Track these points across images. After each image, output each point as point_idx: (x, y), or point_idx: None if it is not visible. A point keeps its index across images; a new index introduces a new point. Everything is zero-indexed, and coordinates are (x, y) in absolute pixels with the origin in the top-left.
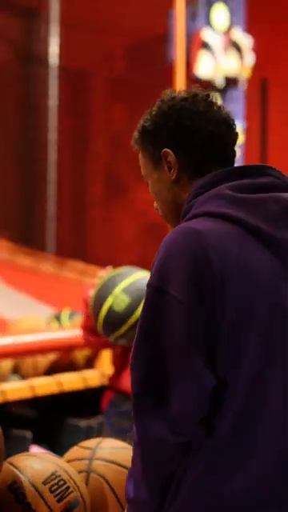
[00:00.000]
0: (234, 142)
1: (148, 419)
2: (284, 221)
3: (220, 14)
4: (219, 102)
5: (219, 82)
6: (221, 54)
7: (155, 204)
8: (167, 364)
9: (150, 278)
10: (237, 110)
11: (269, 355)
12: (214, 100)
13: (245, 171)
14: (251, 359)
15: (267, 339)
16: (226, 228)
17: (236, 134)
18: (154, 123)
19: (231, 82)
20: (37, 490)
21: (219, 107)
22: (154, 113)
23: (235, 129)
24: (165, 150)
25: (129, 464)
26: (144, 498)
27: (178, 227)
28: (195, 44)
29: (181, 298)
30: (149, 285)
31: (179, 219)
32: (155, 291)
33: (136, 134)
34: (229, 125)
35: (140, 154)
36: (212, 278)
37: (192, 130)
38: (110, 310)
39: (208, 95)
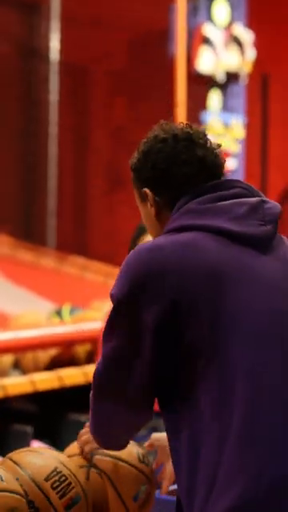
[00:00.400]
0: (216, 176)
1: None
2: (248, 220)
3: (221, 9)
4: (206, 136)
5: (220, 77)
6: (222, 49)
7: None
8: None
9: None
10: (237, 104)
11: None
12: (195, 138)
13: (215, 187)
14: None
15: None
16: (192, 236)
17: (219, 167)
18: (137, 161)
19: (232, 77)
20: (39, 487)
21: (202, 144)
22: (140, 150)
23: (218, 164)
24: (144, 189)
25: (130, 459)
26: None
27: (139, 245)
28: (196, 39)
29: (121, 298)
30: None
31: None
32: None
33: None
34: (209, 162)
35: None
36: (164, 280)
37: (167, 174)
38: None
39: (189, 134)
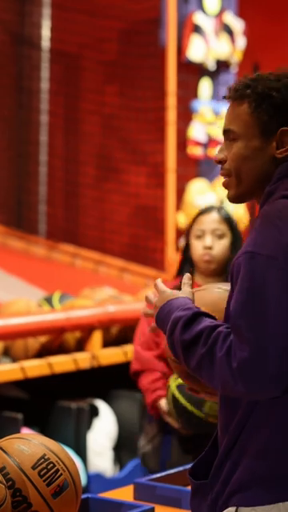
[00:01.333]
0: None
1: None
2: None
3: None
4: None
5: (211, 65)
6: (212, 38)
7: (226, 164)
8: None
9: (249, 246)
10: None
11: None
12: None
13: None
14: None
15: None
16: None
17: None
18: (284, 97)
19: (222, 66)
20: (26, 475)
21: None
22: (284, 84)
23: None
24: (285, 128)
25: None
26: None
27: (278, 202)
28: (187, 27)
29: (276, 257)
30: (248, 252)
31: (252, 191)
32: (252, 257)
33: (247, 90)
34: None
35: (238, 109)
36: None
37: None
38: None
39: None
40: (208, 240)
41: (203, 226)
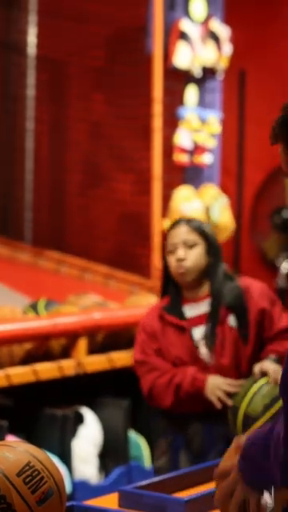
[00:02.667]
0: None
1: None
2: None
3: (198, 5)
4: None
5: (197, 72)
6: (199, 45)
7: None
8: None
9: None
10: (214, 100)
11: None
12: None
13: None
14: None
15: None
16: None
17: None
18: None
19: (209, 73)
20: (11, 482)
21: None
22: None
23: None
24: None
25: None
26: None
27: None
28: (173, 34)
29: None
30: None
31: None
32: None
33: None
34: None
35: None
36: None
37: None
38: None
39: None
40: (179, 252)
41: (174, 239)
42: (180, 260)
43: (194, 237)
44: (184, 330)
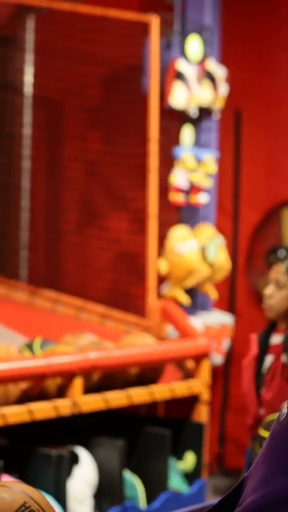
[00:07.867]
0: None
1: None
2: None
3: (194, 45)
4: None
5: (193, 112)
6: (195, 85)
7: None
8: None
9: None
10: (210, 140)
11: None
12: None
13: None
14: None
15: None
16: None
17: None
18: None
19: (205, 113)
20: None
21: None
22: None
23: None
24: None
25: None
26: None
27: None
28: (169, 74)
29: None
30: None
31: None
32: None
33: None
34: None
35: None
36: None
37: None
38: None
39: None
40: (268, 289)
41: (271, 274)
42: (267, 296)
43: (286, 279)
44: None
